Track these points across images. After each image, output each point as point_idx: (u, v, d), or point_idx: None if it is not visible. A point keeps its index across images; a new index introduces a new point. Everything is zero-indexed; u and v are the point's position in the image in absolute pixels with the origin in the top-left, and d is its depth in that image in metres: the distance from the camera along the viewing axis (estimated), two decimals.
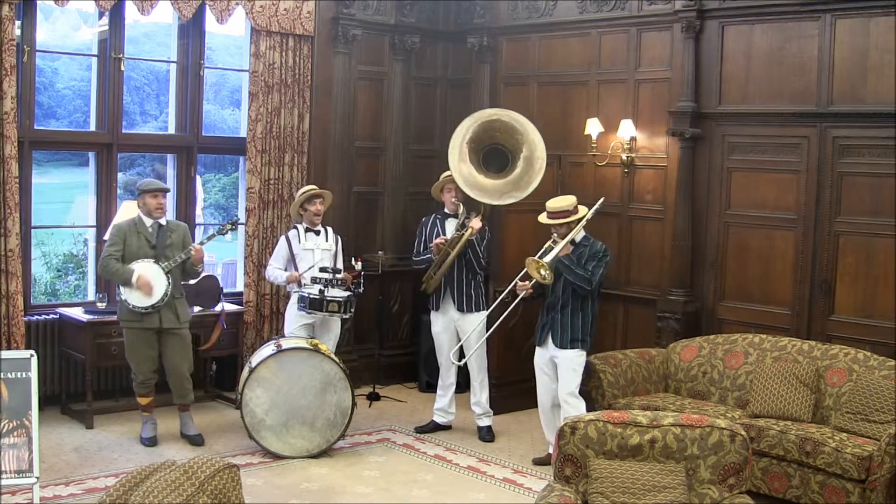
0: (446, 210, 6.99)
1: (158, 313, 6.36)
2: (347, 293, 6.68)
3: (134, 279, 6.25)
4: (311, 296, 6.56)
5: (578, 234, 6.16)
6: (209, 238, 6.68)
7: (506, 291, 6.55)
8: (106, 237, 6.96)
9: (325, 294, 6.55)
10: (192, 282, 7.02)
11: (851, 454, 5.29)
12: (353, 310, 6.74)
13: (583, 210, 6.18)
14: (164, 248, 6.41)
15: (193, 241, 6.69)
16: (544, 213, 6.22)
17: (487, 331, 6.78)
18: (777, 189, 6.82)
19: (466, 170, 6.71)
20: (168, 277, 6.35)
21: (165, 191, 6.56)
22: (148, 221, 6.44)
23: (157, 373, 6.54)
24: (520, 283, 6.30)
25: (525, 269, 6.08)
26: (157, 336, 6.45)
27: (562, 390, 6.19)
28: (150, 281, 6.28)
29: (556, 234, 6.15)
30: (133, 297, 6.31)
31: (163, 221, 6.49)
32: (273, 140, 7.84)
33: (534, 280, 6.09)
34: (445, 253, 6.77)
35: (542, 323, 6.33)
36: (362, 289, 6.94)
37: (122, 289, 6.36)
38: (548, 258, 6.01)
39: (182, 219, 7.50)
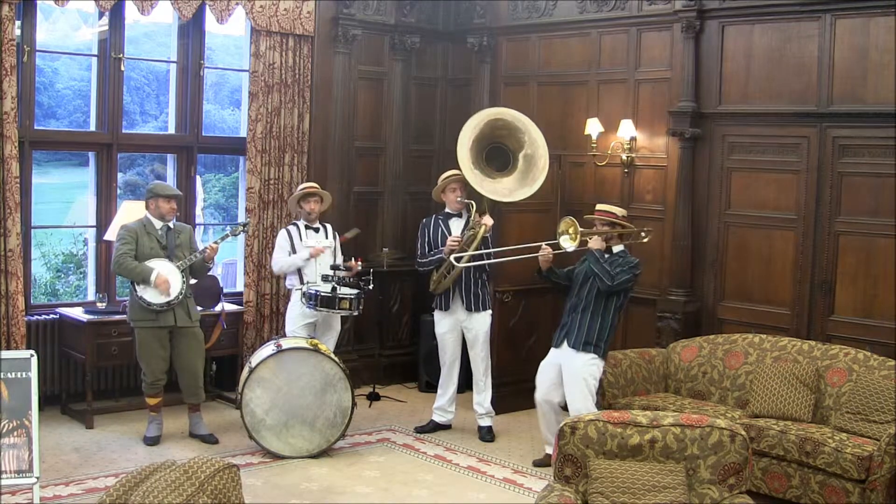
0: (448, 210, 6.98)
1: (173, 311, 6.43)
2: (357, 290, 6.70)
3: (153, 277, 6.33)
4: (322, 293, 6.58)
5: (617, 247, 6.22)
6: (222, 239, 6.82)
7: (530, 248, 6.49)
8: (112, 237, 6.99)
9: (338, 292, 6.58)
10: (192, 281, 7.05)
11: (851, 454, 5.29)
12: (361, 307, 6.75)
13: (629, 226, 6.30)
14: (174, 248, 6.52)
15: (196, 242, 6.80)
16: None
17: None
18: (777, 189, 6.82)
19: (477, 169, 6.72)
20: (183, 276, 6.44)
21: (179, 196, 6.68)
22: (158, 224, 6.53)
23: (168, 374, 6.59)
24: (545, 247, 6.27)
25: (559, 232, 6.11)
26: (169, 335, 6.50)
27: (576, 402, 6.03)
28: (167, 279, 6.37)
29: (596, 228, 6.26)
30: (149, 294, 6.36)
31: (171, 224, 6.58)
32: (273, 140, 7.84)
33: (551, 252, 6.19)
34: (460, 252, 6.73)
35: (562, 324, 6.31)
36: (372, 285, 6.94)
37: (137, 287, 6.39)
38: (585, 231, 6.09)
39: (182, 219, 7.50)
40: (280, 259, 6.99)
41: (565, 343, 6.20)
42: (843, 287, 6.49)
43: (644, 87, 7.54)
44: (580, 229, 6.06)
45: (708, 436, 4.15)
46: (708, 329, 7.10)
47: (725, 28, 7.02)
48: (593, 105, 7.83)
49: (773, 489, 5.65)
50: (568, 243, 6.09)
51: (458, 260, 6.64)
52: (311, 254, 6.87)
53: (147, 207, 6.55)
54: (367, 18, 8.25)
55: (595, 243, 6.14)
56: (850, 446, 5.37)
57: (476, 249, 6.68)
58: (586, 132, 7.64)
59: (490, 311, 6.97)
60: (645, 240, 6.40)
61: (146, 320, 6.41)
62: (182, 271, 6.46)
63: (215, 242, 6.68)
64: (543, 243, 6.36)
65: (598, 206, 6.36)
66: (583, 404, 6.01)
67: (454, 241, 6.75)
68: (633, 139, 7.52)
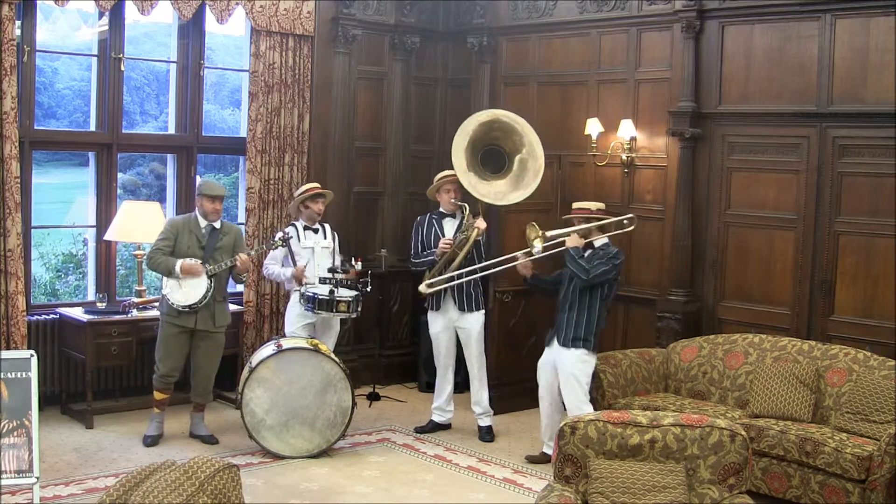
0: (443, 210, 6.99)
1: (195, 315, 6.41)
2: (355, 293, 6.69)
3: (177, 268, 6.32)
4: (320, 296, 6.56)
5: (599, 240, 6.25)
6: (257, 252, 6.80)
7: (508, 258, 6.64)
8: (113, 238, 7.06)
9: (335, 294, 6.57)
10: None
11: (851, 454, 5.29)
12: (360, 309, 6.74)
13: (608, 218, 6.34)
14: (213, 250, 6.49)
15: (244, 244, 6.78)
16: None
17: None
18: (777, 189, 6.82)
19: (471, 171, 6.73)
20: (211, 281, 6.41)
21: (224, 196, 6.61)
22: (202, 222, 6.53)
23: (180, 372, 6.60)
24: (521, 257, 6.43)
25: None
26: (190, 336, 6.50)
27: (569, 400, 6.14)
28: (193, 265, 6.35)
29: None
30: (174, 295, 6.37)
31: (217, 224, 6.56)
32: (273, 140, 7.84)
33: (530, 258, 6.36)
34: (452, 255, 6.75)
35: (555, 323, 6.35)
36: (370, 287, 6.93)
37: (164, 284, 6.42)
38: (550, 232, 6.21)
39: None
40: (270, 266, 6.96)
41: (555, 341, 6.25)
42: (843, 287, 6.49)
43: (644, 87, 7.54)
44: (541, 230, 6.21)
45: (708, 436, 4.16)
46: (708, 329, 7.10)
47: (725, 28, 7.02)
48: (593, 105, 7.83)
49: (773, 489, 5.66)
50: (537, 244, 6.21)
51: (429, 286, 6.73)
52: (294, 276, 6.78)
53: (196, 205, 6.60)
54: (367, 18, 8.26)
55: (572, 241, 6.20)
56: (850, 446, 5.37)
57: (468, 253, 6.70)
58: (586, 132, 7.64)
59: (483, 311, 6.96)
60: (629, 228, 6.36)
61: (171, 317, 6.44)
62: (211, 276, 6.42)
63: (247, 254, 6.62)
64: (519, 253, 6.48)
65: (575, 205, 6.44)
66: (576, 401, 6.09)
67: (446, 244, 6.76)
68: (633, 139, 7.52)
